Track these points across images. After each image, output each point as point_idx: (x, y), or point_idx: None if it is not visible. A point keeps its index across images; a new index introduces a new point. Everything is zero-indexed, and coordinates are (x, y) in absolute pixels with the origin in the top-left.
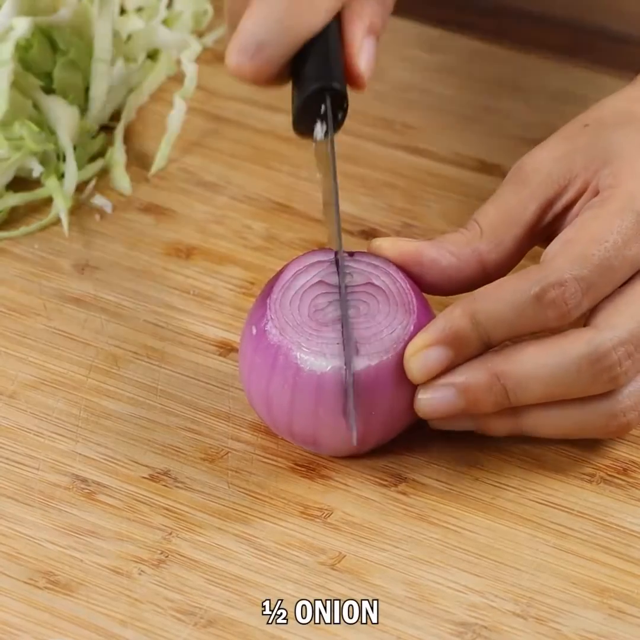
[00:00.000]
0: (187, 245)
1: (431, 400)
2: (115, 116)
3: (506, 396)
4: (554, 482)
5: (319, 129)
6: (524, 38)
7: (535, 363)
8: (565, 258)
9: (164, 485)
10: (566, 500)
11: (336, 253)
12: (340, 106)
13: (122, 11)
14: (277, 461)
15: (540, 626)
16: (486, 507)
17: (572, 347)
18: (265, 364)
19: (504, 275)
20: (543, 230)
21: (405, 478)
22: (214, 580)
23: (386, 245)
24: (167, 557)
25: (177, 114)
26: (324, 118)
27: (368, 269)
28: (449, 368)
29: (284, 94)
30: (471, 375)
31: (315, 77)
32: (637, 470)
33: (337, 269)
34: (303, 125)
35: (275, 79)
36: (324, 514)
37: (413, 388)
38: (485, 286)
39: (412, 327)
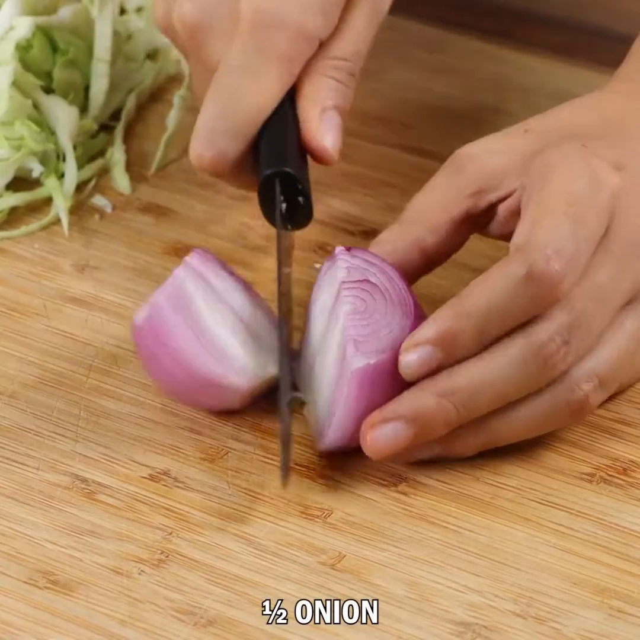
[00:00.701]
0: (187, 245)
1: (380, 438)
2: (115, 116)
3: (456, 412)
4: (554, 482)
5: (278, 216)
6: (524, 38)
7: (480, 371)
8: (540, 235)
9: (164, 485)
10: (566, 500)
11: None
12: (297, 190)
13: (122, 11)
14: (277, 461)
15: (540, 626)
16: (486, 507)
17: (512, 346)
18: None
19: (445, 260)
20: (478, 217)
21: (405, 478)
22: (214, 580)
23: None
24: (167, 557)
25: (176, 114)
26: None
27: (364, 266)
28: (440, 369)
29: None
30: (417, 400)
31: (266, 163)
32: (637, 470)
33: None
34: (271, 213)
35: (237, 169)
36: (324, 514)
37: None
38: (469, 285)
39: (409, 330)
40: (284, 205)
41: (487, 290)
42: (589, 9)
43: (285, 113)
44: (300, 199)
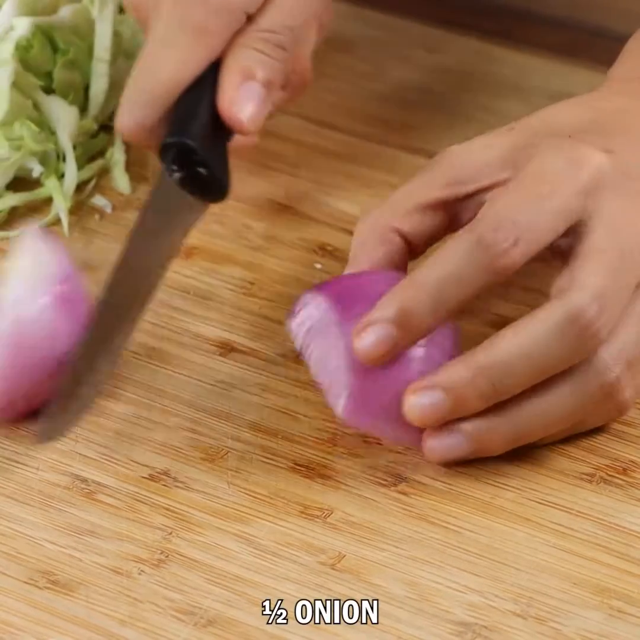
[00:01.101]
0: (187, 245)
1: (418, 405)
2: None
3: (492, 387)
4: (554, 482)
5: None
6: (524, 38)
7: (517, 342)
8: (497, 208)
9: (164, 485)
10: (566, 500)
11: None
12: (196, 161)
13: (122, 10)
14: (277, 461)
15: (540, 626)
16: (486, 507)
17: (550, 313)
18: None
19: (427, 246)
20: (455, 204)
21: (405, 478)
22: (214, 580)
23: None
24: (167, 557)
25: None
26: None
27: (322, 323)
28: (398, 347)
29: None
30: (453, 372)
31: (166, 133)
32: (637, 470)
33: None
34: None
35: (158, 137)
36: (324, 514)
37: None
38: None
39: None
40: (178, 175)
41: (437, 261)
42: (589, 9)
43: (207, 85)
44: (202, 170)
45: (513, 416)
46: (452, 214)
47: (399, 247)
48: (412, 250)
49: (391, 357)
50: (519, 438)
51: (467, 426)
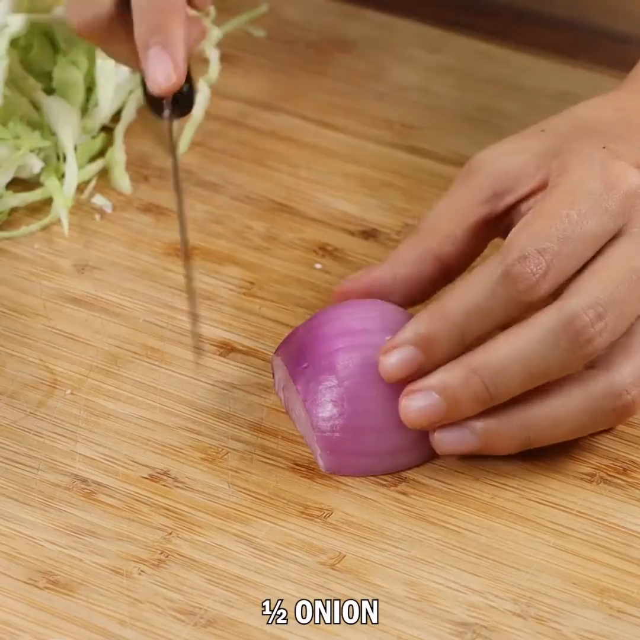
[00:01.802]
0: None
1: (413, 407)
2: (115, 116)
3: (486, 390)
4: (554, 482)
5: (165, 107)
6: (524, 38)
7: (510, 347)
8: (524, 236)
9: (164, 485)
10: (566, 500)
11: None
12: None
13: None
14: (277, 461)
15: (540, 626)
16: (486, 507)
17: (544, 320)
18: None
19: (464, 269)
20: (496, 220)
21: (405, 478)
22: (214, 580)
23: (348, 289)
24: (167, 557)
25: (201, 100)
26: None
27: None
28: (421, 371)
29: (285, 94)
30: (446, 374)
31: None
32: (637, 470)
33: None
34: (155, 104)
35: (112, 32)
36: (324, 514)
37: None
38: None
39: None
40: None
41: (465, 291)
42: (589, 9)
43: None
44: (185, 87)
45: (525, 421)
46: (492, 228)
47: (436, 272)
48: (451, 271)
49: (416, 378)
50: (530, 442)
51: (478, 423)
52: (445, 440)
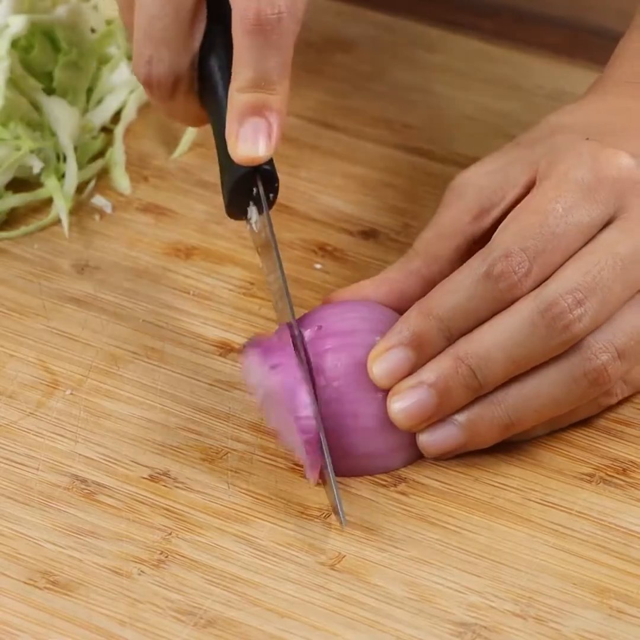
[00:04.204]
0: (187, 245)
1: (404, 405)
2: (116, 116)
3: (474, 376)
4: (554, 482)
5: (253, 211)
6: (524, 38)
7: (492, 334)
8: (508, 233)
9: (164, 486)
10: (566, 500)
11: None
12: (271, 187)
13: None
14: (277, 461)
15: (540, 626)
16: (486, 507)
17: (522, 307)
18: None
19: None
20: (484, 237)
21: (405, 478)
22: (214, 580)
23: (337, 297)
24: (166, 557)
25: None
26: (256, 200)
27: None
28: (413, 370)
29: None
30: (435, 366)
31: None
32: (637, 470)
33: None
34: (235, 207)
35: (184, 91)
36: (324, 514)
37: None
38: (436, 286)
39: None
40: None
41: (449, 289)
42: (589, 9)
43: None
44: (271, 196)
45: (503, 401)
46: (484, 243)
47: (420, 291)
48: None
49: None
50: (511, 424)
51: (460, 416)
52: (431, 440)
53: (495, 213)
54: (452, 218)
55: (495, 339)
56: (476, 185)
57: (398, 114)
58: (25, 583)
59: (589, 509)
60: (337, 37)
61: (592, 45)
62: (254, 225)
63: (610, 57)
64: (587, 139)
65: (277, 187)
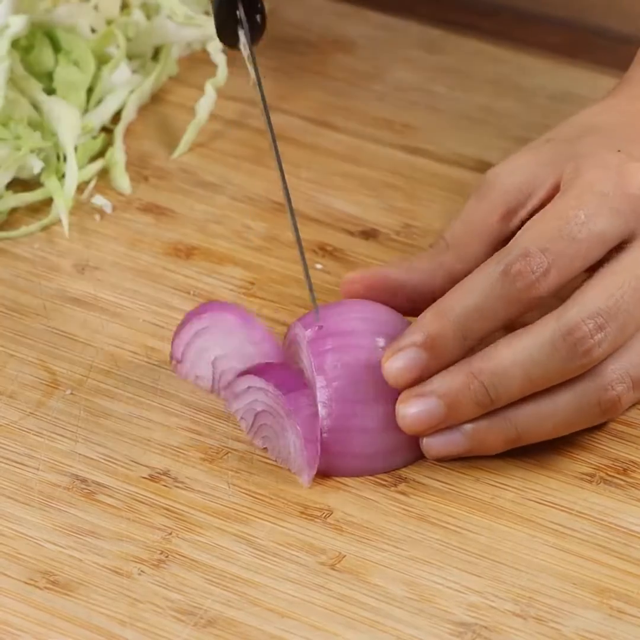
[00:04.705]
0: (187, 245)
1: (412, 413)
2: (116, 116)
3: (486, 393)
4: (554, 482)
5: (242, 34)
6: (524, 38)
7: (511, 352)
8: (529, 235)
9: (164, 486)
10: (566, 500)
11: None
12: (255, 8)
13: (124, 6)
14: (277, 462)
15: (540, 626)
16: (486, 507)
17: (543, 328)
18: None
19: None
20: (511, 237)
21: (405, 478)
22: (214, 580)
23: (356, 277)
24: (167, 557)
25: (207, 102)
26: (243, 23)
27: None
28: (427, 373)
29: (285, 94)
30: (447, 378)
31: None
32: (637, 470)
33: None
34: (226, 34)
35: None
36: (324, 514)
37: None
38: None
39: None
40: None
41: (466, 289)
42: (589, 9)
43: None
44: (258, 18)
45: (513, 418)
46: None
47: (445, 285)
48: None
49: (419, 382)
50: (518, 439)
51: (467, 425)
52: (435, 444)
53: (523, 213)
54: (480, 214)
55: (514, 357)
56: (505, 183)
57: (398, 114)
58: (25, 583)
59: (589, 509)
60: (337, 37)
61: (593, 45)
62: (244, 50)
63: (611, 57)
64: (619, 151)
65: (262, 8)
